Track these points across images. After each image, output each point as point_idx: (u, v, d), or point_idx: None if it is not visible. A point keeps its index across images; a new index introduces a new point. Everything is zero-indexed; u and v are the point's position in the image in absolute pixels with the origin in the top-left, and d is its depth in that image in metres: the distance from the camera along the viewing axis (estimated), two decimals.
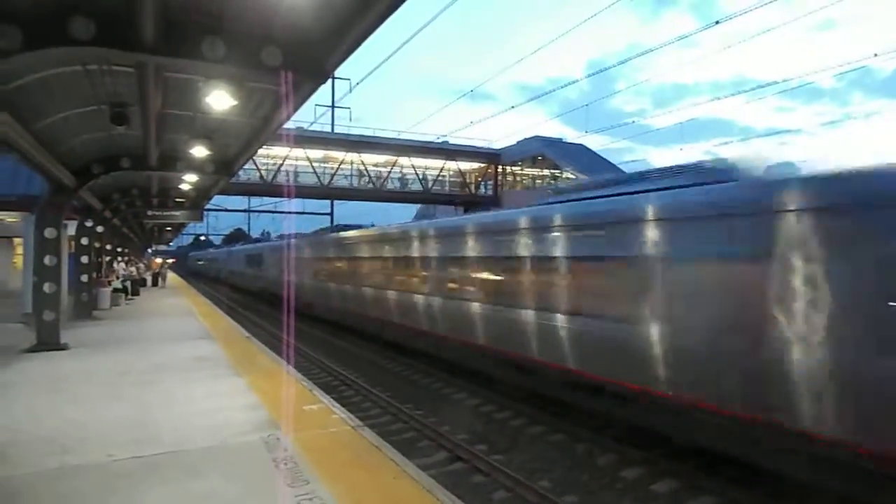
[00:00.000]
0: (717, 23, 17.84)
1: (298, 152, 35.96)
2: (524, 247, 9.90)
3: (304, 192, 38.20)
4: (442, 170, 40.76)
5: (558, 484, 7.21)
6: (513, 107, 26.22)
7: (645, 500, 6.78)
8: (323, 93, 37.88)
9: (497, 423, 9.78)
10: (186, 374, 9.04)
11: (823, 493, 5.70)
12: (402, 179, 40.04)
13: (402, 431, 9.44)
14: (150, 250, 53.26)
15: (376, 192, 38.75)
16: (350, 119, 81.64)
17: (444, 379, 12.82)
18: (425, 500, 4.44)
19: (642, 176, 8.73)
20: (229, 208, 56.50)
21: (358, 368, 14.50)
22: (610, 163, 37.66)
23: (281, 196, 41.05)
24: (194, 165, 12.48)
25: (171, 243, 70.83)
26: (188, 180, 14.83)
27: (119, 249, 29.56)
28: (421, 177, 39.77)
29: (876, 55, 18.61)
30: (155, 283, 33.58)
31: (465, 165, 42.14)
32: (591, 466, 7.78)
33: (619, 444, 8.25)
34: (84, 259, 17.12)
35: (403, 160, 39.02)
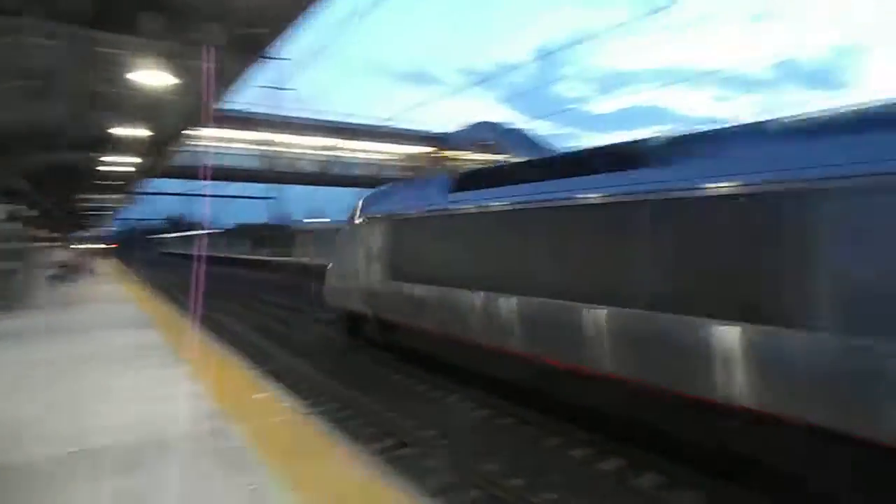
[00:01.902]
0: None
1: (240, 134, 35.00)
2: None
3: (246, 175, 37.25)
4: (386, 153, 40.49)
5: (506, 466, 7.30)
6: (459, 91, 26.27)
7: (591, 478, 6.94)
8: (266, 74, 37.00)
9: (445, 408, 9.83)
10: (126, 364, 8.65)
11: (772, 472, 5.95)
12: (348, 163, 39.56)
13: (350, 419, 9.38)
14: (86, 234, 50.68)
15: (321, 175, 38.16)
16: (295, 101, 79.69)
17: (392, 365, 12.79)
18: (374, 484, 4.42)
19: None
20: (166, 192, 54.34)
21: (305, 355, 14.29)
22: (554, 149, 38.15)
23: (221, 179, 39.70)
24: (128, 146, 11.93)
25: (111, 227, 67.53)
26: (121, 162, 14.19)
27: (52, 235, 28.11)
28: (365, 160, 39.41)
29: (802, 48, 19.40)
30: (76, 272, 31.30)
31: (411, 149, 41.96)
32: (539, 448, 7.91)
33: (567, 426, 8.42)
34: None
35: (348, 143, 38.54)
